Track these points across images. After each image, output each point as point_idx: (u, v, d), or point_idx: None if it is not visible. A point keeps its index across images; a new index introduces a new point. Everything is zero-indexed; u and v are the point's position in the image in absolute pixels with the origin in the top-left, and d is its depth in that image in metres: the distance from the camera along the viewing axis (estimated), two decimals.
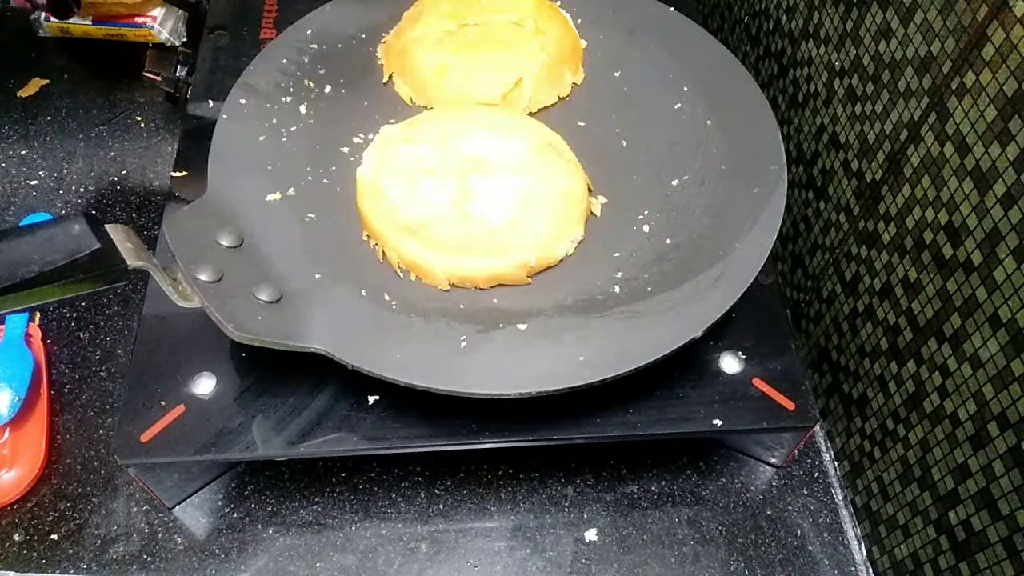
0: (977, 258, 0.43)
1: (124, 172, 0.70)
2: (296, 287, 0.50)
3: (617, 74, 0.54)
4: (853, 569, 0.53)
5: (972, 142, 0.43)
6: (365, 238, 0.52)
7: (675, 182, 0.53)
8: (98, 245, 0.46)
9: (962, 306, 0.45)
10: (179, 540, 0.52)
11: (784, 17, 0.58)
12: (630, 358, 0.46)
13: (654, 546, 0.52)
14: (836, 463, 0.56)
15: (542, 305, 0.50)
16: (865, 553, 0.54)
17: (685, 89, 0.53)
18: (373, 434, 0.50)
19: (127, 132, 0.73)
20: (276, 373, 0.51)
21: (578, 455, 0.55)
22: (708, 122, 0.53)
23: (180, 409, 0.50)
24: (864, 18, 0.52)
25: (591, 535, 0.52)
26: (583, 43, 0.55)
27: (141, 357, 0.51)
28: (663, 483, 0.54)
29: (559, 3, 0.57)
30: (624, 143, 0.53)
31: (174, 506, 0.53)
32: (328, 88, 0.55)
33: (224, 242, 0.50)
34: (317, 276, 0.50)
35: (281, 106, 0.53)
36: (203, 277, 0.48)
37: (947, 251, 0.46)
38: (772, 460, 0.55)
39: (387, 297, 0.50)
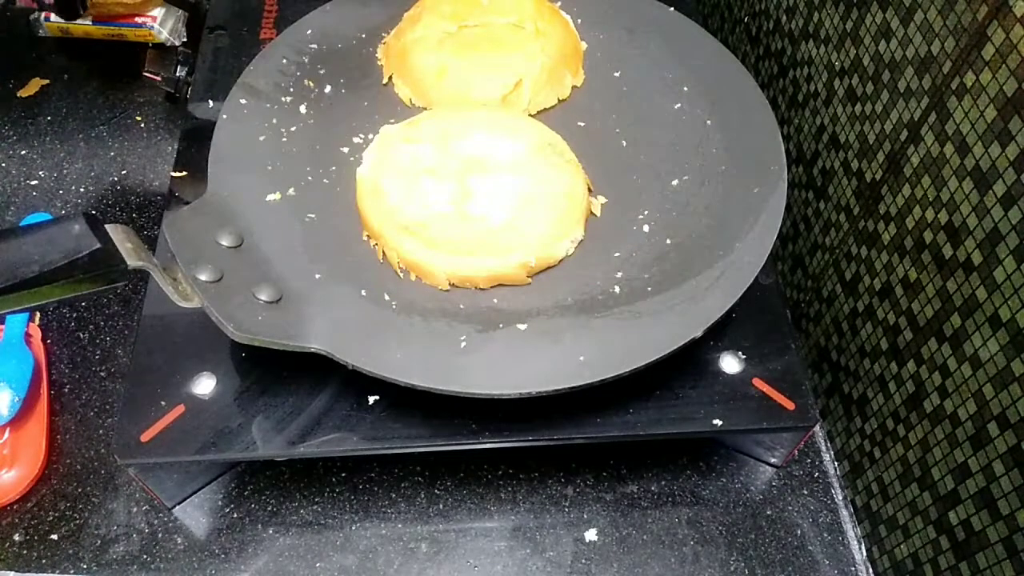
0: (977, 258, 0.43)
1: (124, 172, 0.70)
2: (296, 287, 0.50)
3: (617, 74, 0.54)
4: (853, 569, 0.53)
5: (972, 142, 0.43)
6: (365, 238, 0.52)
7: (675, 182, 0.53)
8: (98, 245, 0.46)
9: (962, 306, 0.45)
10: (179, 540, 0.52)
11: (784, 17, 0.58)
12: (630, 358, 0.46)
13: (654, 546, 0.52)
14: (836, 463, 0.56)
15: (542, 305, 0.50)
16: (865, 553, 0.53)
17: (685, 89, 0.53)
18: (373, 434, 0.50)
19: (127, 132, 0.73)
20: (276, 373, 0.51)
21: (578, 455, 0.55)
22: (708, 122, 0.53)
23: (180, 409, 0.50)
24: (864, 18, 0.52)
25: (591, 535, 0.52)
26: (583, 45, 0.55)
27: (141, 357, 0.51)
28: (663, 483, 0.54)
29: (559, 4, 0.57)
30: (624, 143, 0.53)
31: (174, 506, 0.53)
32: (328, 88, 0.55)
33: (224, 242, 0.50)
34: (317, 276, 0.50)
35: (281, 106, 0.53)
36: (203, 277, 0.48)
37: (947, 251, 0.46)
38: (772, 460, 0.55)
39: (387, 297, 0.50)
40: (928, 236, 0.48)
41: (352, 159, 0.53)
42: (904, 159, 0.50)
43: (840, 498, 0.54)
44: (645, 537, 0.52)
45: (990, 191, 0.41)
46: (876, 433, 0.53)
